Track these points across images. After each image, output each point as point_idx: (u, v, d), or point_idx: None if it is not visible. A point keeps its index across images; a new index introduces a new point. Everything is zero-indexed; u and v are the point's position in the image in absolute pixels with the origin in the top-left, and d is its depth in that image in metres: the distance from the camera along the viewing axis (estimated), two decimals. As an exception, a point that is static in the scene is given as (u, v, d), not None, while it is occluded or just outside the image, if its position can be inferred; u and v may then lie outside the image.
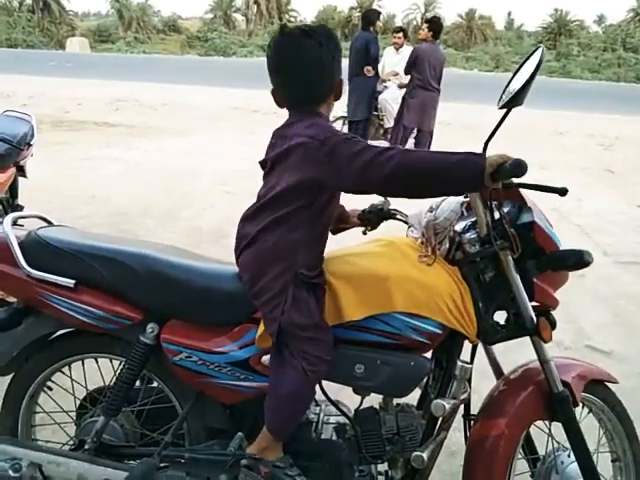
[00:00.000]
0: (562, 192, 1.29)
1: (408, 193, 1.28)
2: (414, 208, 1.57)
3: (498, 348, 1.57)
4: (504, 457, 1.47)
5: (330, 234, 1.65)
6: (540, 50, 1.28)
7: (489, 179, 1.24)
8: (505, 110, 1.31)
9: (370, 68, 6.72)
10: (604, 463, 1.65)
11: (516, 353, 1.79)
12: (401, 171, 1.22)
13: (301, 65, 1.35)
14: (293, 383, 1.36)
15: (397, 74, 7.22)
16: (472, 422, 1.58)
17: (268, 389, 1.42)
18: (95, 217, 4.47)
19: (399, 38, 7.58)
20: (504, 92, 1.31)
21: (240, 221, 1.47)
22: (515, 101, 1.27)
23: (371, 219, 1.71)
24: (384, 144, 7.19)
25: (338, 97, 1.44)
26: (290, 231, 1.36)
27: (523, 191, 1.45)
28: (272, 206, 1.38)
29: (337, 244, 1.55)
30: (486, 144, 1.36)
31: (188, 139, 8.35)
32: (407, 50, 7.14)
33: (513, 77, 1.31)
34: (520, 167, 1.21)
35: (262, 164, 1.45)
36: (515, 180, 1.33)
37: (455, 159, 1.22)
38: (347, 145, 1.26)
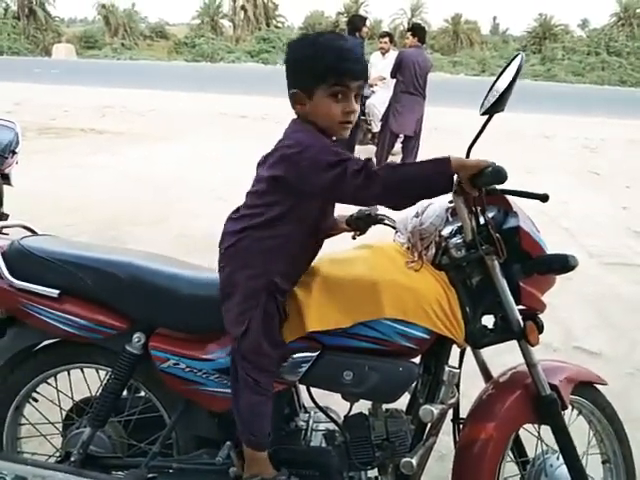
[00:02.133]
0: (543, 198, 1.31)
1: (379, 203, 1.30)
2: (402, 213, 1.58)
3: (488, 351, 1.58)
4: (492, 460, 1.47)
5: None
6: (520, 56, 1.29)
7: (469, 185, 1.25)
8: (487, 116, 1.32)
9: None
10: (594, 465, 1.65)
11: (507, 356, 1.79)
12: (371, 188, 1.23)
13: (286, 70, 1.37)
14: (247, 396, 1.38)
15: (384, 79, 7.27)
16: (461, 426, 1.58)
17: (232, 403, 1.42)
18: (82, 225, 4.43)
19: (385, 43, 7.64)
20: (486, 98, 1.33)
21: (226, 220, 1.47)
22: (496, 107, 1.28)
23: (359, 224, 1.70)
24: (372, 149, 7.26)
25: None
26: (268, 236, 1.36)
27: (509, 196, 1.46)
28: (249, 205, 1.39)
29: (328, 248, 1.55)
30: (469, 149, 1.37)
31: (176, 145, 8.32)
32: (393, 55, 7.18)
33: (495, 83, 1.33)
34: (500, 174, 1.22)
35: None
36: (497, 186, 1.34)
37: (425, 171, 1.24)
38: (323, 154, 1.26)
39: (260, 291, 1.36)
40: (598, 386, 1.66)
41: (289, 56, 1.37)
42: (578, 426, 1.62)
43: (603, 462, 1.69)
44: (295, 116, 1.40)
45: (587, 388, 1.62)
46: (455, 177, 1.25)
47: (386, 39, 7.78)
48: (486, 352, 1.61)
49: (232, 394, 1.41)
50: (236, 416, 1.41)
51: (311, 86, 1.31)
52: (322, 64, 1.28)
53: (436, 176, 1.24)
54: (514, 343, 1.47)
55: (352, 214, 1.71)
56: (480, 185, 1.26)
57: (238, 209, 1.45)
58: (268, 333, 1.37)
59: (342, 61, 1.29)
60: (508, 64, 1.31)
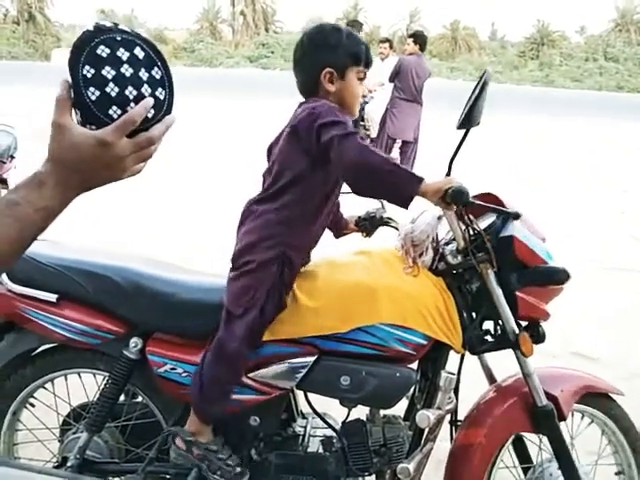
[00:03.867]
0: (515, 216, 1.36)
1: (344, 175, 1.36)
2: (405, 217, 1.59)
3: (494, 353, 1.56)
4: (480, 466, 1.47)
5: (334, 238, 1.74)
6: (486, 73, 1.35)
7: (441, 202, 1.30)
8: (464, 130, 1.36)
9: None
10: (607, 475, 1.64)
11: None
12: (344, 154, 1.29)
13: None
14: (218, 365, 1.39)
15: (383, 84, 7.28)
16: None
17: (195, 374, 1.43)
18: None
19: (385, 48, 7.65)
20: (461, 114, 1.36)
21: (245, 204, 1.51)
22: (469, 121, 1.33)
23: (366, 226, 1.74)
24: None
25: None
26: (283, 207, 1.41)
27: (512, 202, 1.47)
28: (268, 180, 1.45)
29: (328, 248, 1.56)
30: (450, 163, 1.41)
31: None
32: (393, 60, 7.20)
33: (469, 99, 1.36)
34: (461, 194, 1.27)
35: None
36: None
37: (396, 173, 1.28)
38: (332, 113, 1.35)
39: (272, 262, 1.39)
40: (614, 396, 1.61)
41: (317, 40, 1.48)
42: (589, 434, 1.60)
43: (617, 473, 1.66)
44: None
45: (599, 398, 1.58)
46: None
47: (386, 45, 7.79)
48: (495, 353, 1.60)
49: (202, 359, 1.42)
50: (195, 382, 1.41)
51: (345, 67, 1.45)
52: (356, 48, 1.46)
53: (400, 186, 1.29)
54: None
55: (359, 215, 1.76)
56: (448, 203, 1.30)
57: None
58: (258, 327, 1.39)
59: (367, 50, 1.48)
60: (479, 81, 1.35)
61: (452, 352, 1.49)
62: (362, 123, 7.41)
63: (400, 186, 1.29)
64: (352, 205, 1.75)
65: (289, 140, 1.41)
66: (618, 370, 2.83)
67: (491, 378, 1.64)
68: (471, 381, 1.59)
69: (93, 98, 0.65)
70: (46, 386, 1.62)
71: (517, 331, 1.42)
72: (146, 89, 0.67)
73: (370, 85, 7.31)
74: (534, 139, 10.92)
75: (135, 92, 0.66)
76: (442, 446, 1.58)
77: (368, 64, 1.49)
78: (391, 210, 1.72)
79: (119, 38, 0.66)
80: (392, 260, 1.50)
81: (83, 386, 1.64)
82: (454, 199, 1.28)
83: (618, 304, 3.67)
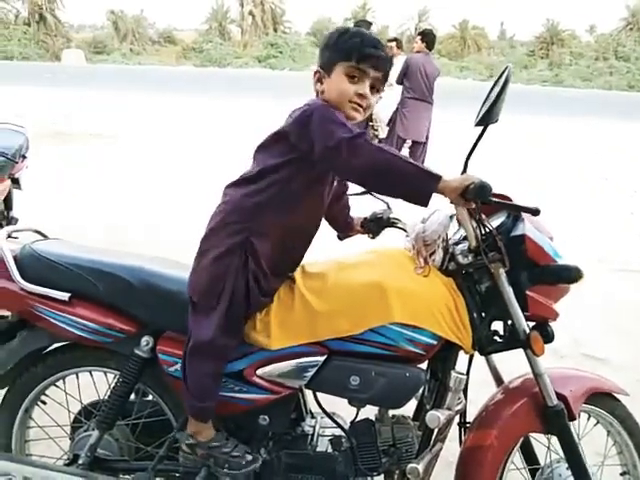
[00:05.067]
0: (534, 212, 1.33)
1: (354, 178, 1.32)
2: (413, 218, 1.59)
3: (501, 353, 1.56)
4: (492, 467, 1.47)
5: (338, 240, 1.74)
6: (508, 69, 1.33)
7: (460, 199, 1.28)
8: (482, 127, 1.34)
9: None
10: (613, 476, 1.63)
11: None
12: (353, 160, 1.24)
13: None
14: (200, 362, 1.38)
15: (391, 84, 7.26)
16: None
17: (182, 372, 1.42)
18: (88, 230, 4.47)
19: (391, 48, 7.64)
20: (479, 110, 1.35)
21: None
22: (488, 118, 1.31)
23: (372, 227, 1.73)
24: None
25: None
26: (254, 193, 1.38)
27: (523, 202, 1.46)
28: (250, 168, 1.43)
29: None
30: (467, 160, 1.40)
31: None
32: (401, 60, 7.19)
33: (488, 95, 1.35)
34: (483, 190, 1.25)
35: None
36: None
37: (414, 172, 1.25)
38: (327, 113, 1.30)
39: (234, 250, 1.36)
40: (619, 397, 1.61)
41: (320, 45, 1.46)
42: (595, 435, 1.59)
43: (622, 474, 1.65)
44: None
45: (604, 398, 1.58)
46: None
47: (392, 44, 7.78)
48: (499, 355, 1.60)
49: (182, 359, 1.41)
50: (182, 381, 1.41)
51: (332, 62, 1.37)
52: (348, 43, 1.35)
53: (418, 184, 1.27)
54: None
55: (365, 217, 1.74)
56: (469, 199, 1.29)
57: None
58: (232, 317, 1.37)
59: (366, 46, 1.35)
60: (499, 76, 1.34)
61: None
62: (370, 124, 7.40)
63: (419, 184, 1.26)
64: (357, 207, 1.74)
65: (277, 136, 1.39)
66: (628, 372, 2.81)
67: (498, 379, 1.64)
68: (475, 383, 1.58)
69: None
70: (57, 384, 1.64)
71: (528, 330, 1.41)
72: None
73: None
74: (543, 140, 10.85)
75: None
76: (451, 447, 1.58)
77: (362, 60, 1.34)
78: (397, 211, 1.72)
79: None
80: (402, 260, 1.50)
81: (94, 384, 1.65)
82: (477, 195, 1.26)
83: (628, 305, 3.65)
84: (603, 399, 1.58)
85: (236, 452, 1.45)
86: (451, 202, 1.33)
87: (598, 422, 1.62)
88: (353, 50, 1.34)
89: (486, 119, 1.32)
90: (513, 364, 1.59)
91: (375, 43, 1.37)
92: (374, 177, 1.28)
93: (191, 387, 1.40)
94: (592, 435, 1.58)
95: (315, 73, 1.43)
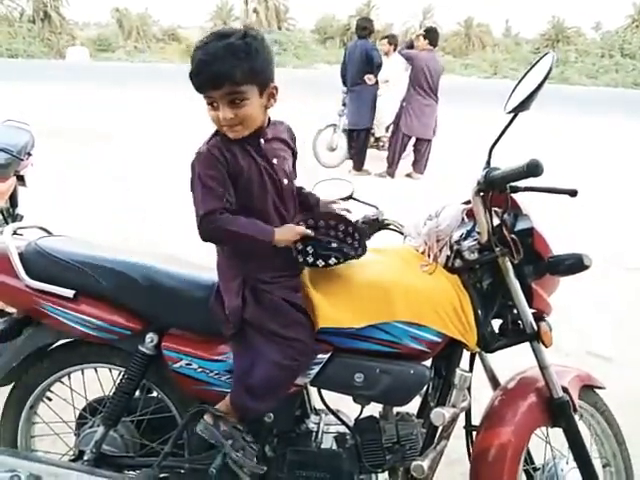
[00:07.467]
0: (572, 193, 1.31)
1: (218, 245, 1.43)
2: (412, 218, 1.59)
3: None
4: (512, 466, 1.45)
5: None
6: (550, 56, 1.28)
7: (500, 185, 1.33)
8: (512, 115, 1.32)
9: (372, 76, 6.74)
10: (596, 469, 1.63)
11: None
12: (215, 234, 1.34)
13: None
14: (272, 367, 1.38)
15: (387, 81, 7.26)
16: (474, 432, 1.57)
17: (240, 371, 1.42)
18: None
19: (383, 45, 7.68)
20: (510, 97, 1.32)
21: None
22: (522, 107, 1.28)
23: (366, 230, 1.72)
24: (376, 153, 7.28)
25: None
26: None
27: (518, 199, 1.46)
28: None
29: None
30: (491, 149, 1.38)
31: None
32: (396, 57, 7.24)
33: (520, 82, 1.32)
34: (537, 167, 1.23)
35: None
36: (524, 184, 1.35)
37: (252, 235, 1.33)
38: (194, 180, 1.34)
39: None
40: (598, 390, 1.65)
41: None
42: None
43: (604, 466, 1.68)
44: None
45: (588, 391, 1.62)
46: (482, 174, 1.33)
47: (384, 41, 7.82)
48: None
49: (254, 355, 1.39)
50: (243, 381, 1.40)
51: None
52: (191, 77, 1.30)
53: (262, 239, 1.34)
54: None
55: (357, 219, 1.72)
56: (514, 180, 1.29)
57: None
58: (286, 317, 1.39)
59: (194, 75, 1.29)
60: (535, 63, 1.31)
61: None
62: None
63: (262, 240, 1.33)
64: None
65: None
66: (635, 370, 2.80)
67: (494, 380, 1.64)
68: (477, 381, 1.58)
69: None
70: (63, 380, 1.64)
71: (534, 323, 1.41)
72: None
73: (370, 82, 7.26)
74: (553, 136, 10.80)
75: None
76: (455, 444, 1.58)
77: (200, 89, 1.30)
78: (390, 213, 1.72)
79: None
80: (408, 257, 1.50)
81: (99, 381, 1.66)
82: (529, 172, 1.24)
83: (637, 304, 3.63)
84: (587, 392, 1.61)
85: (254, 445, 1.44)
86: (475, 191, 1.36)
87: (581, 417, 1.62)
88: (193, 83, 1.30)
89: (521, 107, 1.28)
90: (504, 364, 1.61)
91: (199, 67, 1.27)
92: (227, 243, 1.40)
93: (254, 386, 1.39)
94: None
95: None
